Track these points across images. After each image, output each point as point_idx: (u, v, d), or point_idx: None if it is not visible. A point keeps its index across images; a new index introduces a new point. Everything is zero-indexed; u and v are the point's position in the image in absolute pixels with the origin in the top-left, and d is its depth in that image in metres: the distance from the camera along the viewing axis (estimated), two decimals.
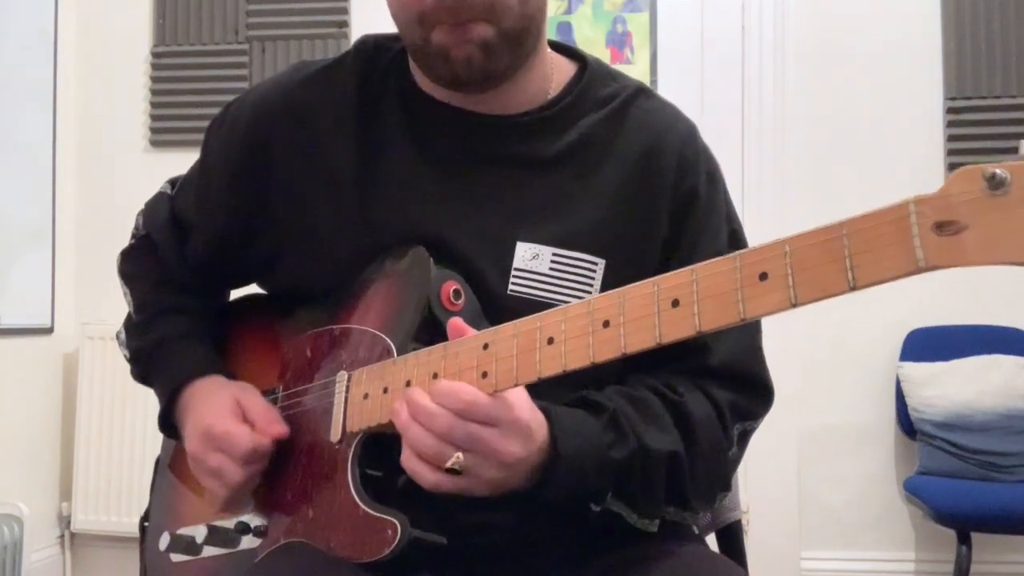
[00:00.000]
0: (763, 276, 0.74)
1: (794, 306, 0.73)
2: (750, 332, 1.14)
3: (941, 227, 0.65)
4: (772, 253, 0.74)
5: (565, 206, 1.10)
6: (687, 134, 1.16)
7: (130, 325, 1.29)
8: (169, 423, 1.22)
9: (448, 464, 0.89)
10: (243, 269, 1.25)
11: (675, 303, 0.78)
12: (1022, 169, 0.62)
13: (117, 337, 1.31)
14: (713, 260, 0.78)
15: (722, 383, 1.10)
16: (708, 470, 1.06)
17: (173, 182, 1.32)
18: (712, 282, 0.77)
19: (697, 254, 1.09)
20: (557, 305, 1.05)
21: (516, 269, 1.08)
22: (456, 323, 0.95)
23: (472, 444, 0.90)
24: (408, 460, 0.92)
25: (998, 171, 0.62)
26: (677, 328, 0.78)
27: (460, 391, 0.89)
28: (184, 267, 1.26)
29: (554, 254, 1.08)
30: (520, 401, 0.92)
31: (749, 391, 1.12)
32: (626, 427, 1.00)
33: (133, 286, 1.30)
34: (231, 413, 1.11)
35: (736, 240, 1.16)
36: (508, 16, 1.04)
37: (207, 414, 1.12)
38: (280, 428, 1.11)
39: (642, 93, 1.18)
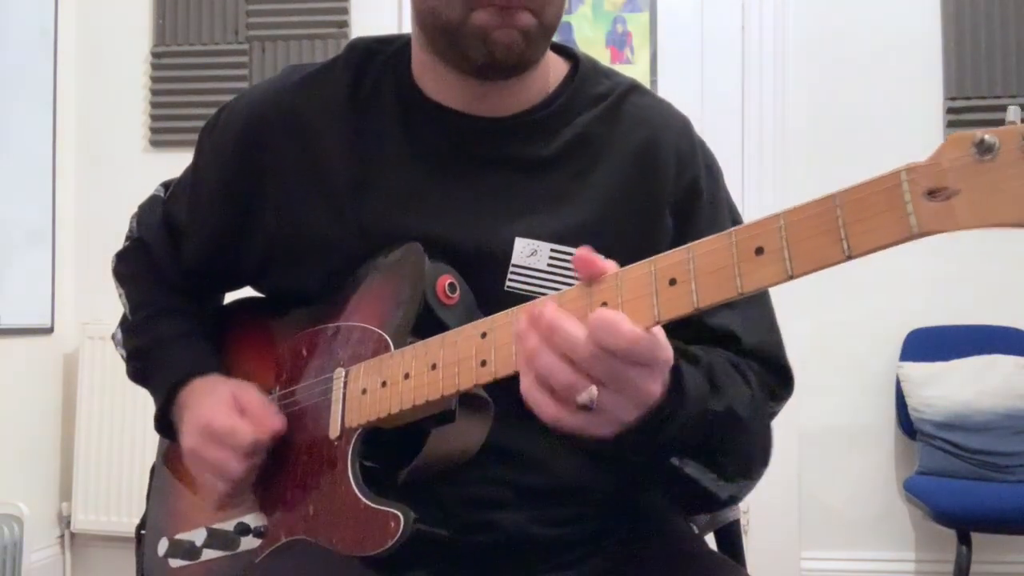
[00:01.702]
0: (759, 251, 0.74)
1: (791, 278, 0.73)
2: (772, 325, 1.15)
3: (933, 193, 0.66)
4: (767, 227, 0.74)
5: (563, 203, 1.10)
6: (682, 129, 1.17)
7: (126, 325, 1.28)
8: (166, 423, 1.21)
9: (581, 400, 0.80)
10: (235, 273, 1.25)
11: (672, 281, 0.79)
12: (1010, 134, 0.63)
13: (113, 338, 1.31)
14: (708, 238, 0.78)
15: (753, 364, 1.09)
16: (762, 436, 1.05)
17: (167, 185, 1.32)
18: (708, 259, 0.77)
19: None
20: None
21: (514, 265, 1.08)
22: (584, 253, 0.84)
23: (618, 383, 0.81)
24: (530, 389, 0.83)
25: (987, 136, 0.64)
26: (676, 306, 0.78)
27: (620, 326, 0.78)
28: (177, 270, 1.27)
29: (552, 250, 1.08)
30: (664, 337, 0.83)
31: (776, 375, 1.12)
32: (720, 381, 0.98)
33: (128, 287, 1.30)
34: (229, 408, 1.11)
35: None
36: (550, 9, 1.05)
37: (205, 410, 1.12)
38: (278, 421, 1.10)
39: (635, 90, 1.18)
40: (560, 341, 0.80)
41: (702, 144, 1.19)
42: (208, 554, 1.14)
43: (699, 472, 0.97)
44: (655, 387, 0.83)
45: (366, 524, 0.97)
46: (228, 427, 1.08)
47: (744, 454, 1.01)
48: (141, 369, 1.26)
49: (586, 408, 0.80)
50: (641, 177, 1.12)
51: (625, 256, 1.08)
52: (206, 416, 1.11)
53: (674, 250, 0.80)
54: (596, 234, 1.08)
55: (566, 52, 1.20)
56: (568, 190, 1.11)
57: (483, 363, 0.91)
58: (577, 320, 0.80)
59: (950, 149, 0.66)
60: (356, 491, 0.99)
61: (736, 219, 1.17)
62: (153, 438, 1.29)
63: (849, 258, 0.70)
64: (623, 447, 0.87)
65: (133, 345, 1.26)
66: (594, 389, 0.80)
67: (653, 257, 0.81)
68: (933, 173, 0.66)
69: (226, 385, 1.16)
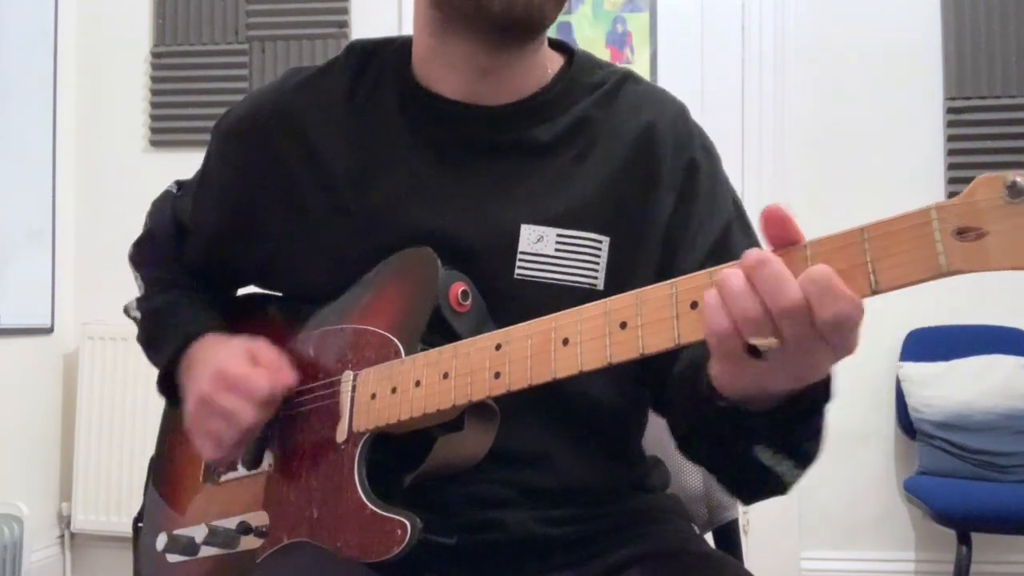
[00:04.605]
0: None
1: None
2: None
3: (962, 233, 0.67)
4: (792, 256, 0.74)
5: (566, 188, 1.11)
6: (678, 113, 1.17)
7: (142, 296, 1.31)
8: (169, 383, 1.21)
9: (758, 343, 0.74)
10: (237, 273, 1.27)
11: (694, 305, 0.79)
12: None
13: (126, 309, 1.32)
14: (731, 263, 0.78)
15: None
16: None
17: (180, 184, 1.33)
18: None
19: (706, 224, 1.10)
20: (565, 286, 1.06)
21: (522, 253, 1.08)
22: (777, 210, 0.75)
23: (798, 349, 0.75)
24: (715, 309, 0.75)
25: (1019, 180, 0.65)
26: (696, 329, 0.78)
27: (853, 313, 0.72)
28: (183, 267, 1.28)
29: (559, 235, 1.08)
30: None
31: None
32: None
33: (144, 271, 1.32)
34: (244, 358, 1.10)
35: (739, 210, 1.16)
36: None
37: (220, 359, 1.11)
38: (291, 376, 1.10)
39: (630, 78, 1.19)
40: (769, 277, 0.73)
41: (698, 127, 1.19)
42: (207, 551, 1.13)
43: (774, 460, 0.92)
44: (826, 368, 0.78)
45: (372, 530, 0.97)
46: (244, 374, 1.07)
47: (821, 441, 0.95)
48: (152, 329, 1.27)
49: (755, 352, 0.75)
50: (638, 159, 1.12)
51: (627, 236, 1.10)
52: (220, 364, 1.10)
53: (696, 273, 0.80)
54: (599, 216, 1.10)
55: (562, 47, 1.21)
56: (568, 174, 1.11)
57: (497, 375, 0.91)
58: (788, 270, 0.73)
59: (981, 189, 0.67)
60: (362, 496, 0.99)
61: (735, 200, 1.17)
62: (153, 437, 1.29)
63: (875, 292, 0.71)
64: (738, 414, 0.84)
65: (148, 307, 1.28)
66: (775, 342, 0.74)
67: (675, 279, 0.81)
68: (963, 212, 0.67)
69: (239, 339, 1.15)
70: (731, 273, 0.75)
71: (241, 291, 1.33)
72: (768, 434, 0.88)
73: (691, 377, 0.95)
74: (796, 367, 0.77)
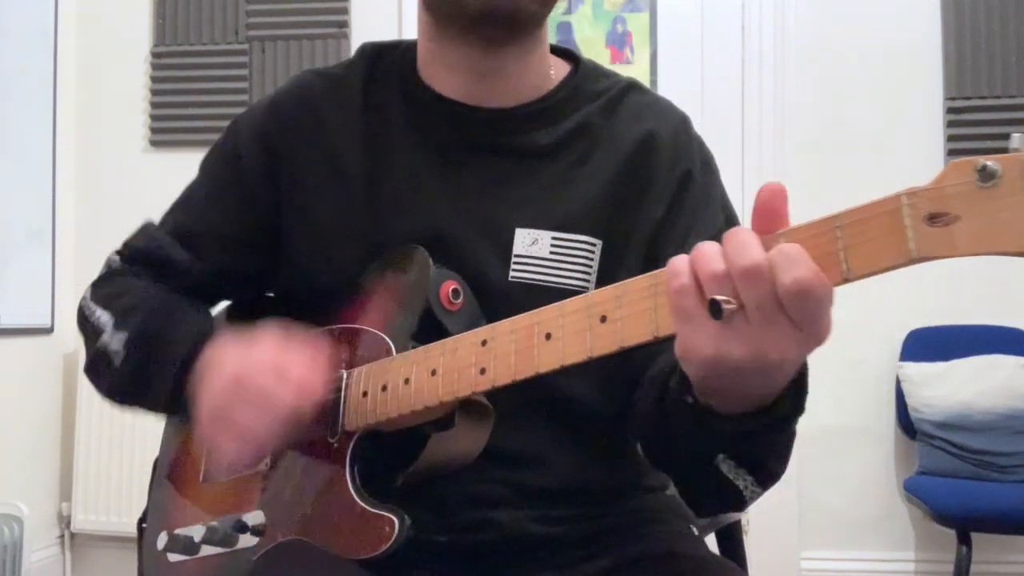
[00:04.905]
0: None
1: None
2: None
3: (933, 218, 0.66)
4: (765, 243, 0.73)
5: (562, 192, 1.12)
6: (680, 123, 1.18)
7: (116, 323, 1.14)
8: (178, 397, 1.07)
9: (718, 297, 0.72)
10: (244, 278, 1.23)
11: None
12: (1012, 161, 0.63)
13: (98, 346, 1.15)
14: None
15: None
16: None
17: (152, 221, 1.26)
18: None
19: (692, 234, 1.10)
20: (558, 288, 1.07)
21: (516, 255, 1.09)
22: (778, 188, 0.75)
23: (758, 316, 0.72)
24: (679, 266, 0.75)
25: (989, 163, 0.63)
26: (672, 323, 0.78)
27: (815, 283, 0.70)
28: (199, 268, 1.20)
29: (553, 238, 1.10)
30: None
31: None
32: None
33: (111, 303, 1.17)
34: (269, 366, 0.98)
35: (732, 225, 1.16)
36: None
37: (240, 362, 0.99)
38: (322, 388, 1.00)
39: (634, 87, 1.20)
40: (733, 240, 0.73)
41: (699, 139, 1.20)
42: (206, 550, 1.13)
43: (735, 473, 0.92)
44: (790, 353, 0.74)
45: (362, 527, 0.98)
46: (262, 388, 0.96)
47: (786, 461, 0.96)
48: (144, 352, 1.11)
49: (716, 310, 0.72)
50: (636, 166, 1.13)
51: (620, 241, 1.11)
52: (239, 369, 0.98)
53: None
54: (593, 220, 1.11)
55: (568, 55, 1.22)
56: (567, 178, 1.12)
57: (482, 371, 0.92)
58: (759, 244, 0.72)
59: (952, 175, 0.66)
60: (353, 494, 1.00)
61: (730, 215, 1.17)
62: (153, 437, 1.28)
63: (846, 280, 0.70)
64: (703, 413, 0.84)
65: (133, 332, 1.12)
66: (734, 305, 0.72)
67: (655, 272, 0.81)
68: (934, 198, 0.66)
69: (268, 339, 1.01)
70: (708, 242, 0.74)
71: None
72: (731, 442, 0.88)
73: (665, 376, 0.95)
74: (757, 339, 0.73)
